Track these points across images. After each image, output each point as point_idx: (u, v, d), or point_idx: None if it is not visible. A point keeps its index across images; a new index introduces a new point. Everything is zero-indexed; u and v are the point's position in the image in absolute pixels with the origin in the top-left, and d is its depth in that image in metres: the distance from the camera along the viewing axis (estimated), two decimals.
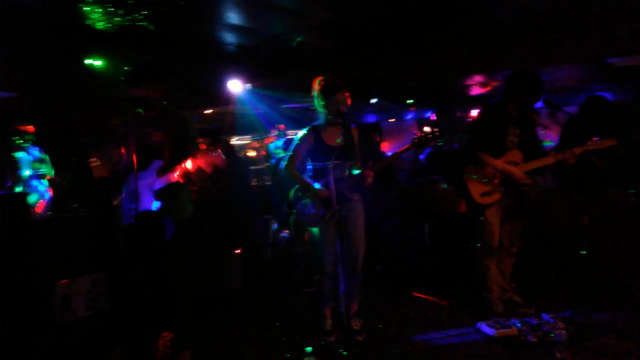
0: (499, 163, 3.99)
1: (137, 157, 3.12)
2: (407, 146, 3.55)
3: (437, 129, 3.42)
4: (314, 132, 3.69)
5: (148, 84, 3.21)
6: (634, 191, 4.57)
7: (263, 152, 10.52)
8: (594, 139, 3.78)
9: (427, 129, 3.49)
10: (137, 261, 3.23)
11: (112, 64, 6.04)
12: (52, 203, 6.52)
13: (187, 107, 8.76)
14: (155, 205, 3.23)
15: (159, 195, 3.24)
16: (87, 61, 5.88)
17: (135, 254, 3.23)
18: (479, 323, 3.82)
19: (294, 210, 3.85)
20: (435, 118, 11.00)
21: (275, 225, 5.70)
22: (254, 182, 6.97)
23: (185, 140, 3.33)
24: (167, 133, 3.30)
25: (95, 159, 9.52)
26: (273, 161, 7.65)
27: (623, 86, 5.91)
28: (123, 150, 3.43)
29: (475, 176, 4.04)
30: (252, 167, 7.74)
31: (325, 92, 3.59)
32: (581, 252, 3.92)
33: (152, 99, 3.25)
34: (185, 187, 3.35)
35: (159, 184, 3.23)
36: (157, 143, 3.28)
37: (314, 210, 3.67)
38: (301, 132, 3.75)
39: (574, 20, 5.18)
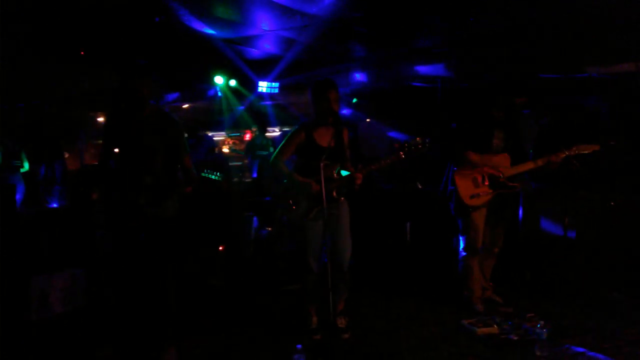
0: (483, 160, 4.08)
1: (134, 157, 3.09)
2: (399, 155, 3.58)
3: (427, 139, 3.48)
4: (306, 130, 3.70)
5: (142, 80, 3.15)
6: (607, 195, 4.76)
7: (237, 149, 10.46)
8: (580, 145, 3.92)
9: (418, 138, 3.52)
10: (126, 258, 3.17)
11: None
12: (26, 196, 6.34)
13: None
14: (153, 205, 3.20)
15: (159, 195, 3.21)
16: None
17: (125, 252, 3.17)
18: (462, 321, 3.90)
19: (280, 206, 3.85)
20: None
21: (256, 222, 5.68)
22: (234, 179, 6.93)
23: (181, 145, 3.36)
24: (163, 136, 3.27)
25: (64, 151, 9.35)
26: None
27: (597, 93, 6.15)
28: (110, 147, 3.35)
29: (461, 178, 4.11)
30: (232, 164, 7.71)
31: (317, 91, 3.62)
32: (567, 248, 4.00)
33: (144, 97, 3.20)
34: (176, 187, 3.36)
35: (161, 184, 3.21)
36: (152, 146, 3.24)
37: (300, 206, 3.68)
38: (293, 129, 3.76)
39: (555, 30, 5.36)
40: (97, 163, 3.41)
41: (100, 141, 3.48)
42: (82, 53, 5.89)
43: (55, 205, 6.42)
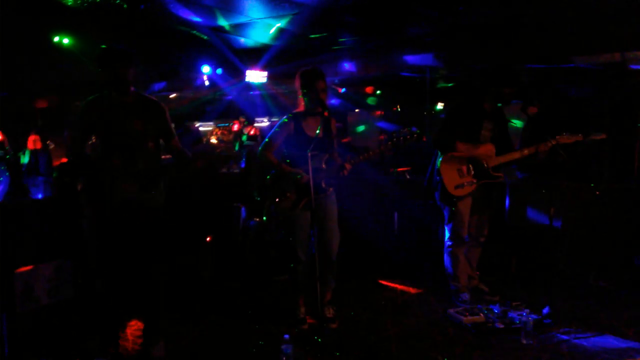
0: (469, 150, 4.09)
1: (116, 145, 3.03)
2: (387, 145, 3.58)
3: (416, 130, 3.47)
4: (295, 120, 3.67)
5: (124, 67, 3.09)
6: (593, 185, 4.81)
7: (225, 139, 10.40)
8: (563, 134, 3.94)
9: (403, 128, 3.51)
10: (113, 249, 3.13)
11: (80, 43, 5.79)
12: (10, 187, 6.25)
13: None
14: (143, 191, 3.16)
15: (146, 184, 3.16)
16: (56, 39, 5.60)
17: (112, 243, 3.12)
18: (449, 310, 3.93)
19: (268, 197, 3.83)
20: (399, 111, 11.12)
21: (244, 213, 5.66)
22: (222, 170, 6.88)
23: (167, 128, 3.29)
24: (149, 121, 3.21)
25: (49, 141, 9.22)
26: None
27: (583, 83, 6.20)
28: (87, 135, 3.27)
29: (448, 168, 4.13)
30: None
31: (306, 80, 3.59)
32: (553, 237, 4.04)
33: (128, 83, 3.14)
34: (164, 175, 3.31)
35: (147, 172, 3.16)
36: (139, 131, 3.18)
37: (289, 197, 3.67)
38: (281, 119, 3.73)
39: (542, 19, 5.38)
40: (72, 152, 3.29)
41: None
42: (66, 41, 5.79)
43: (40, 196, 6.36)
